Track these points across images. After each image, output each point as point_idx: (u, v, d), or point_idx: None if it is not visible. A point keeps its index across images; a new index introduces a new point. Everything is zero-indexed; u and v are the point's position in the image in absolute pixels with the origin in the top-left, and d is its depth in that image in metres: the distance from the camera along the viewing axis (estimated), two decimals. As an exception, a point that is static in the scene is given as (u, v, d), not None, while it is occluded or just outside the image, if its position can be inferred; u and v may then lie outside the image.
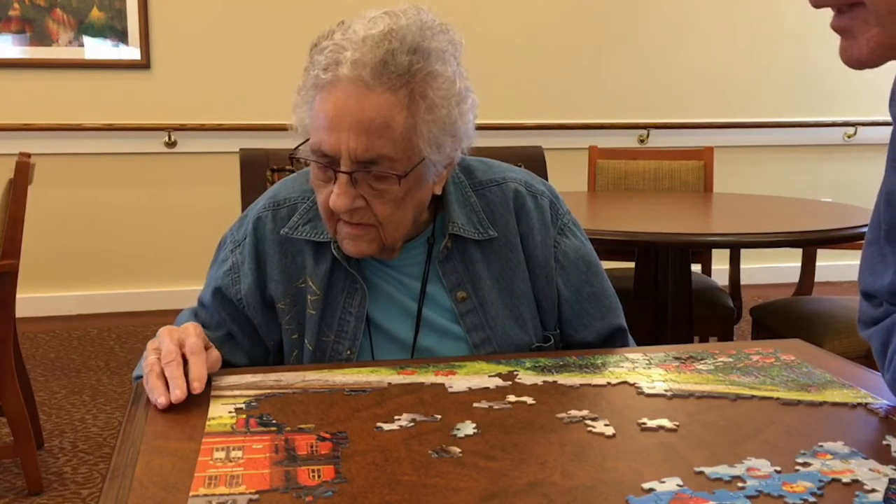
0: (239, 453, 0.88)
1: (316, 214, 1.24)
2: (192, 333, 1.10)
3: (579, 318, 1.30)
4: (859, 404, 1.02)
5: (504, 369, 1.14)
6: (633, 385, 1.08)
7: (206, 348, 1.11)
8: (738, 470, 0.84)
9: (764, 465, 0.85)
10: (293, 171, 1.63)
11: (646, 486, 0.81)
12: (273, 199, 1.29)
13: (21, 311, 2.67)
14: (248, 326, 1.27)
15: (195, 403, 1.02)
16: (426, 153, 1.14)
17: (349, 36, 1.11)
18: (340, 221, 1.17)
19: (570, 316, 1.30)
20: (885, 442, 0.91)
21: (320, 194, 1.17)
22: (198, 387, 1.03)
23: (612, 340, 1.32)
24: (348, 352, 1.24)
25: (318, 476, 0.83)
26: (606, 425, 0.95)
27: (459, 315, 1.25)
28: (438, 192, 1.22)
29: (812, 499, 0.79)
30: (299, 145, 1.18)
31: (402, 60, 1.09)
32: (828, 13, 0.74)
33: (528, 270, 1.28)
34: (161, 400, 1.00)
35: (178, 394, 1.01)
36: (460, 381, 1.09)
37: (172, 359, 1.05)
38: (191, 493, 0.80)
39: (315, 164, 1.15)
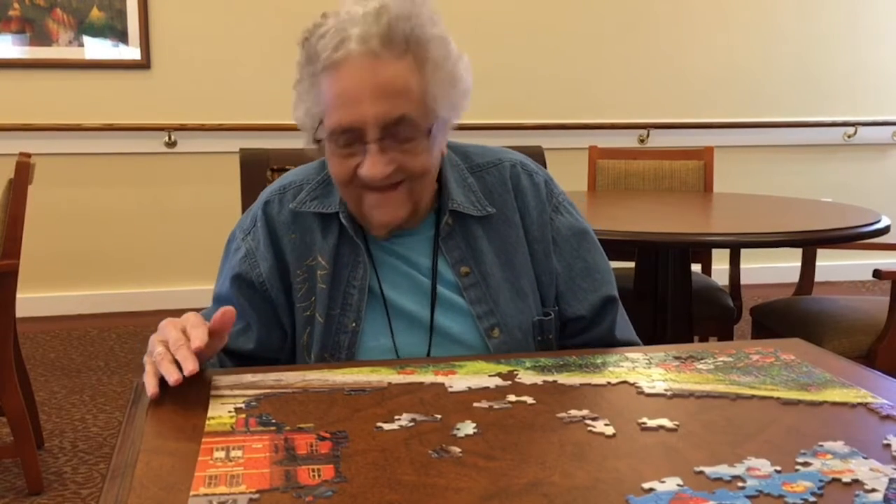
0: (239, 453, 0.88)
1: (322, 192, 1.29)
2: (192, 318, 1.11)
3: (573, 292, 1.33)
4: (859, 404, 1.02)
5: (504, 369, 1.14)
6: (633, 385, 1.08)
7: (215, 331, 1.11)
8: (738, 470, 0.84)
9: (764, 465, 0.85)
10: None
11: (646, 485, 0.81)
12: (279, 185, 1.34)
13: (21, 311, 2.67)
14: (266, 311, 1.29)
15: (195, 403, 1.02)
16: (440, 111, 1.19)
17: (345, 18, 1.16)
18: (366, 192, 1.20)
19: (563, 290, 1.33)
20: (885, 442, 0.91)
21: (342, 168, 1.20)
22: (199, 345, 1.04)
23: (603, 311, 1.34)
24: (353, 324, 1.26)
25: (318, 475, 0.83)
26: (606, 425, 0.95)
27: (463, 289, 1.28)
28: (444, 151, 1.27)
29: (812, 499, 0.79)
30: (316, 128, 1.20)
31: (403, 28, 1.15)
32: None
33: (528, 245, 1.32)
34: (173, 377, 1.03)
35: (189, 366, 1.03)
36: (460, 380, 1.09)
37: (182, 343, 1.06)
38: (191, 493, 0.80)
39: (335, 145, 1.18)
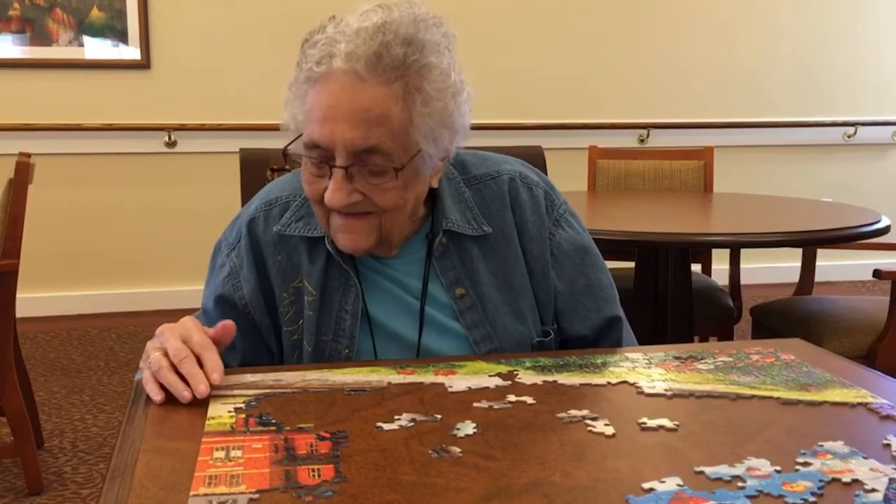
0: (239, 453, 0.88)
1: (308, 211, 1.23)
2: (194, 330, 1.07)
3: (574, 310, 1.28)
4: (859, 404, 1.02)
5: (504, 369, 1.13)
6: (633, 385, 1.08)
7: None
8: (738, 470, 0.84)
9: (764, 465, 0.85)
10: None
11: (646, 485, 0.81)
12: (265, 199, 1.28)
13: (21, 311, 2.67)
14: (251, 332, 1.25)
15: (195, 403, 1.02)
16: (422, 145, 1.12)
17: (342, 29, 1.10)
18: (334, 213, 1.16)
19: (564, 308, 1.28)
20: (885, 442, 0.91)
21: (312, 187, 1.15)
22: (217, 378, 1.02)
23: (608, 331, 1.30)
24: (347, 350, 1.22)
25: (318, 475, 0.83)
26: (606, 425, 0.95)
27: (459, 312, 1.23)
28: (435, 184, 1.21)
29: (812, 499, 0.79)
30: (292, 141, 1.16)
31: (397, 53, 1.08)
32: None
33: (526, 264, 1.27)
34: (185, 394, 1.00)
35: (202, 388, 1.01)
36: (460, 380, 1.09)
37: (185, 356, 1.03)
38: (191, 493, 0.80)
39: (308, 159, 1.14)
